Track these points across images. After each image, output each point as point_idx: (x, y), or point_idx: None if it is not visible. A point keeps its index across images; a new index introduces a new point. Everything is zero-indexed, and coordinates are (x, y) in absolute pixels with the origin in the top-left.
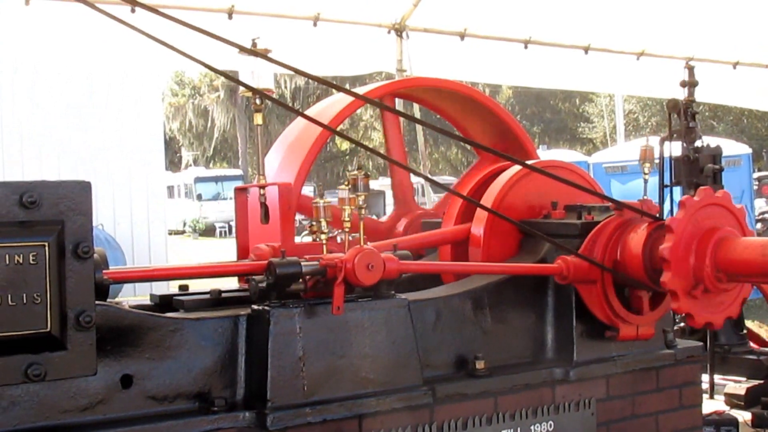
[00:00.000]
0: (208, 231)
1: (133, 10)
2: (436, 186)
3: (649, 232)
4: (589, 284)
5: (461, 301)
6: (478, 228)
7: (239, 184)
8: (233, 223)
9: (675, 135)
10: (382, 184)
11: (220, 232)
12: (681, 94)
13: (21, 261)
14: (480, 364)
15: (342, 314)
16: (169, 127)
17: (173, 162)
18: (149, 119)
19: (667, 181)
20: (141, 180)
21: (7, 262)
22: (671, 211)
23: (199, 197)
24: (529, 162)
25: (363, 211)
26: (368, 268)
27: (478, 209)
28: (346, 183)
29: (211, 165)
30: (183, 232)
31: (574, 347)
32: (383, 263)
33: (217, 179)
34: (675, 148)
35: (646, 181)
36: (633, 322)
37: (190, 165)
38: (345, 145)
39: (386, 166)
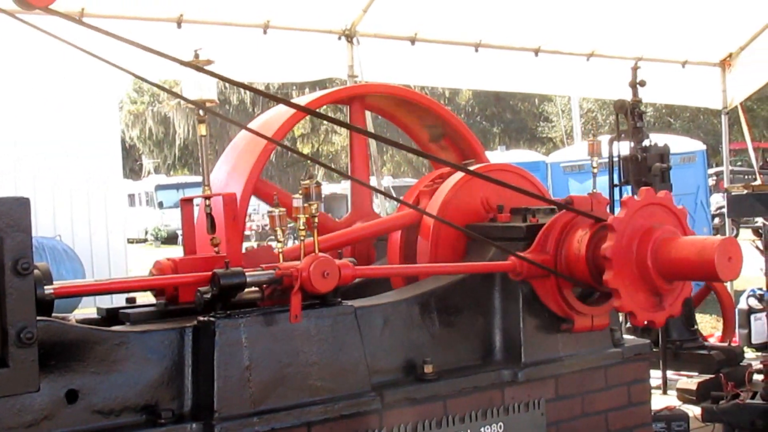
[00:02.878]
0: (171, 239)
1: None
2: (386, 196)
3: (594, 232)
4: (543, 279)
5: (409, 306)
6: (424, 234)
7: (199, 191)
8: None
9: (623, 135)
10: (344, 188)
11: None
12: (631, 95)
13: None
14: (428, 368)
15: (295, 322)
16: (128, 135)
17: (134, 170)
18: (106, 127)
19: (616, 181)
20: (99, 189)
21: None
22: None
23: (161, 205)
24: (473, 167)
25: (316, 220)
26: (324, 276)
27: (425, 216)
28: (299, 192)
29: (172, 172)
30: (145, 241)
31: (522, 349)
32: (338, 270)
33: (178, 186)
34: (624, 148)
35: (594, 175)
36: (587, 313)
37: (151, 173)
38: (307, 150)
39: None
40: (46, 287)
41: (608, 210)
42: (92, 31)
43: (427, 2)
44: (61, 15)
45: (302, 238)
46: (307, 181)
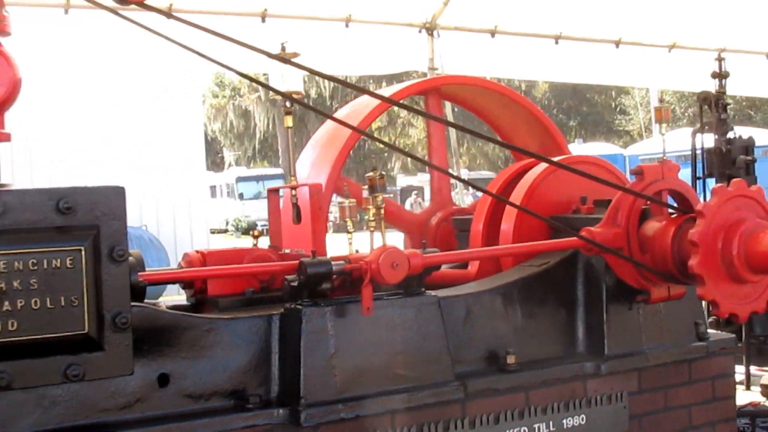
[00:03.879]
0: (250, 229)
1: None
2: (466, 184)
3: (679, 224)
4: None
5: (491, 297)
6: (507, 224)
7: (280, 182)
8: None
9: (707, 127)
10: (420, 180)
11: (263, 230)
12: (713, 86)
13: (58, 265)
14: (511, 359)
15: (367, 314)
16: (210, 128)
17: (215, 162)
18: (190, 121)
19: (700, 173)
20: (183, 181)
21: (45, 266)
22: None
23: (241, 196)
24: (558, 158)
25: (382, 211)
26: (393, 267)
27: (508, 206)
28: (365, 184)
29: (252, 164)
30: (226, 231)
31: (605, 341)
32: (408, 260)
33: (258, 178)
34: (707, 140)
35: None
36: (663, 283)
37: (232, 165)
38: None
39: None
40: (139, 274)
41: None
42: (179, 27)
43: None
44: (153, 9)
45: (372, 229)
46: (372, 173)
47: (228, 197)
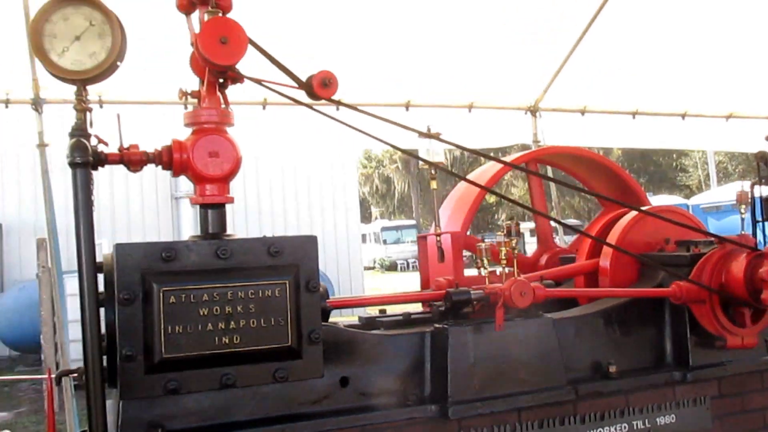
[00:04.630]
0: (391, 267)
1: (337, 108)
2: (571, 229)
3: (750, 260)
4: (700, 304)
5: (595, 319)
6: (605, 261)
7: (413, 231)
8: (410, 261)
9: (764, 180)
10: (523, 227)
11: (400, 267)
12: (766, 147)
13: (270, 294)
14: (612, 369)
15: (503, 330)
16: (361, 191)
17: (365, 216)
18: (348, 185)
19: (759, 218)
20: (343, 230)
21: (260, 295)
22: (764, 242)
23: (384, 241)
24: (644, 207)
25: (515, 251)
26: (522, 295)
27: (605, 246)
28: (501, 231)
29: (392, 217)
30: (373, 268)
31: (689, 355)
32: (533, 290)
33: (397, 228)
34: (765, 190)
35: (743, 219)
36: (738, 333)
37: (377, 218)
38: (492, 199)
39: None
40: (326, 301)
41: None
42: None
43: (592, 83)
44: (340, 104)
45: (504, 265)
46: (509, 221)
47: (374, 242)
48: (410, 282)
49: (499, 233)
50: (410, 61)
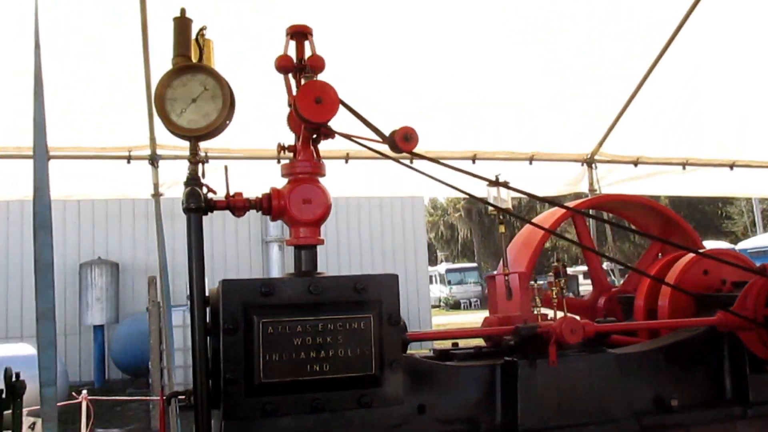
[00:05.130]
0: (455, 306)
1: (411, 161)
2: (629, 268)
3: None
4: (747, 330)
5: (656, 354)
6: (663, 301)
7: (475, 273)
8: (472, 300)
9: None
10: (574, 270)
11: (463, 306)
12: None
13: (356, 327)
14: (674, 402)
15: (566, 365)
16: (428, 237)
17: (431, 259)
18: (417, 233)
19: None
20: (413, 271)
21: (347, 327)
22: None
23: (449, 282)
24: (701, 250)
25: (564, 291)
26: (572, 332)
27: (663, 287)
28: (551, 272)
29: (455, 261)
30: (438, 306)
31: (749, 391)
32: (583, 327)
33: (460, 270)
34: None
35: None
36: None
37: (443, 261)
38: (548, 244)
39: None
40: (406, 334)
41: None
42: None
43: (645, 135)
44: (422, 157)
45: (555, 305)
46: (557, 263)
47: (440, 283)
48: (473, 319)
49: (549, 275)
50: (477, 117)
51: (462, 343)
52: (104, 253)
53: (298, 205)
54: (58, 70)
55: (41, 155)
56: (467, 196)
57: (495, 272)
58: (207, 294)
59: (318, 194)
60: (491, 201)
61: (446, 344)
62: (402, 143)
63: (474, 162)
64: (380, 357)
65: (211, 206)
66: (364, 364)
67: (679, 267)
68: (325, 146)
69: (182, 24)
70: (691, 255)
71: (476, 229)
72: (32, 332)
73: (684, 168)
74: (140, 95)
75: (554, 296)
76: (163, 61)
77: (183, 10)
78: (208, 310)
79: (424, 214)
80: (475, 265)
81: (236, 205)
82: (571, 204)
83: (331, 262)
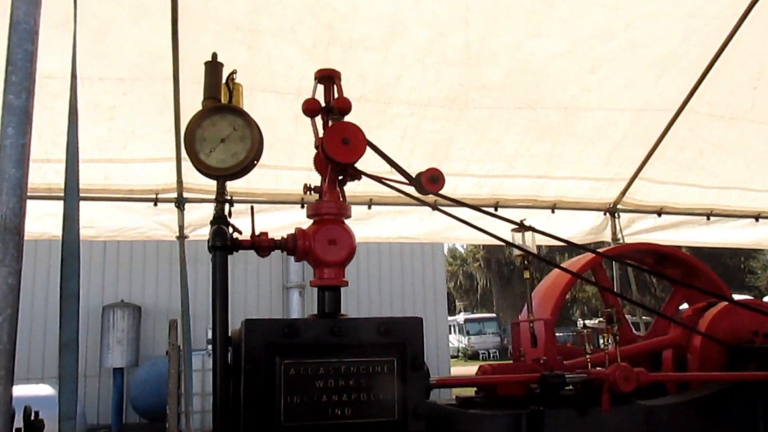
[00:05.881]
0: (474, 356)
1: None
2: (665, 318)
3: None
4: None
5: (687, 407)
6: (693, 351)
7: (494, 324)
8: (491, 351)
9: None
10: (596, 323)
11: (482, 357)
12: None
13: (379, 370)
14: None
15: (592, 415)
16: (447, 286)
17: (450, 309)
18: (437, 282)
19: None
20: (432, 320)
21: (371, 370)
22: None
23: (468, 332)
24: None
25: (617, 338)
26: (625, 379)
27: (693, 337)
28: (601, 319)
29: (474, 311)
30: (456, 356)
31: None
32: (637, 375)
33: (479, 320)
34: None
35: None
36: None
37: (461, 311)
38: (567, 296)
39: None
40: (430, 379)
41: None
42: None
43: (667, 185)
44: (448, 198)
45: (607, 350)
46: (609, 310)
47: (458, 333)
48: None
49: (600, 320)
50: (498, 165)
51: None
52: (127, 296)
53: (323, 246)
54: (91, 112)
55: (72, 184)
56: (487, 245)
57: (519, 319)
58: (229, 334)
59: (343, 235)
60: (518, 243)
61: (468, 393)
62: (428, 184)
63: (496, 209)
64: (403, 402)
65: (237, 245)
66: (386, 410)
67: (710, 316)
68: (348, 191)
69: (213, 68)
70: (723, 304)
71: (495, 280)
72: (53, 373)
73: (708, 218)
74: (169, 142)
75: (606, 343)
76: (192, 105)
77: (214, 55)
78: (230, 350)
79: (444, 264)
80: (494, 315)
81: (261, 245)
82: (602, 250)
83: (350, 308)
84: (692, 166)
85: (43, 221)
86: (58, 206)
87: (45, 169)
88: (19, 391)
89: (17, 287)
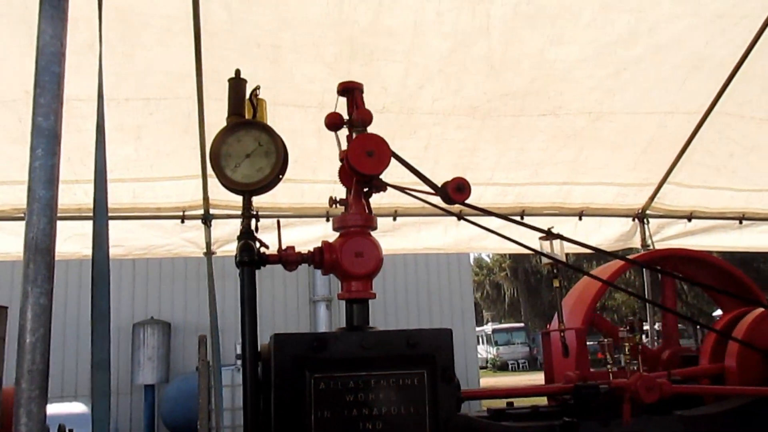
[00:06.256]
0: (503, 367)
1: (459, 218)
2: (700, 325)
3: None
4: None
5: (724, 418)
6: (731, 361)
7: (522, 333)
8: (520, 361)
9: None
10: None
11: (511, 368)
12: None
13: (409, 383)
14: None
15: (626, 426)
16: (474, 296)
17: (477, 319)
18: (464, 293)
19: None
20: (460, 331)
21: (400, 383)
22: None
23: (496, 343)
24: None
25: (639, 347)
26: (648, 390)
27: (729, 345)
28: (624, 327)
29: (502, 321)
30: (485, 367)
31: None
32: (660, 386)
33: (507, 330)
34: None
35: None
36: None
37: (489, 321)
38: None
39: (639, 313)
40: (460, 391)
41: None
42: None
43: (697, 189)
44: (475, 208)
45: (628, 360)
46: (632, 317)
47: (486, 344)
48: (522, 381)
49: (622, 329)
50: (523, 172)
51: (516, 402)
52: (157, 312)
53: (350, 259)
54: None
55: (101, 204)
56: (514, 253)
57: (549, 328)
58: (258, 349)
59: (370, 247)
60: (546, 252)
61: (499, 404)
62: (455, 194)
63: (522, 217)
64: (434, 415)
65: (264, 260)
66: (417, 423)
67: (747, 323)
68: (372, 203)
69: (237, 84)
70: (759, 311)
71: (522, 289)
72: (86, 391)
73: (741, 222)
74: (194, 161)
75: (627, 351)
76: (216, 122)
77: (238, 71)
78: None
79: (471, 273)
80: (522, 325)
81: (288, 259)
82: (632, 257)
83: (377, 321)
84: (722, 168)
85: (73, 241)
86: (88, 226)
87: (74, 189)
88: (53, 409)
89: (49, 307)
